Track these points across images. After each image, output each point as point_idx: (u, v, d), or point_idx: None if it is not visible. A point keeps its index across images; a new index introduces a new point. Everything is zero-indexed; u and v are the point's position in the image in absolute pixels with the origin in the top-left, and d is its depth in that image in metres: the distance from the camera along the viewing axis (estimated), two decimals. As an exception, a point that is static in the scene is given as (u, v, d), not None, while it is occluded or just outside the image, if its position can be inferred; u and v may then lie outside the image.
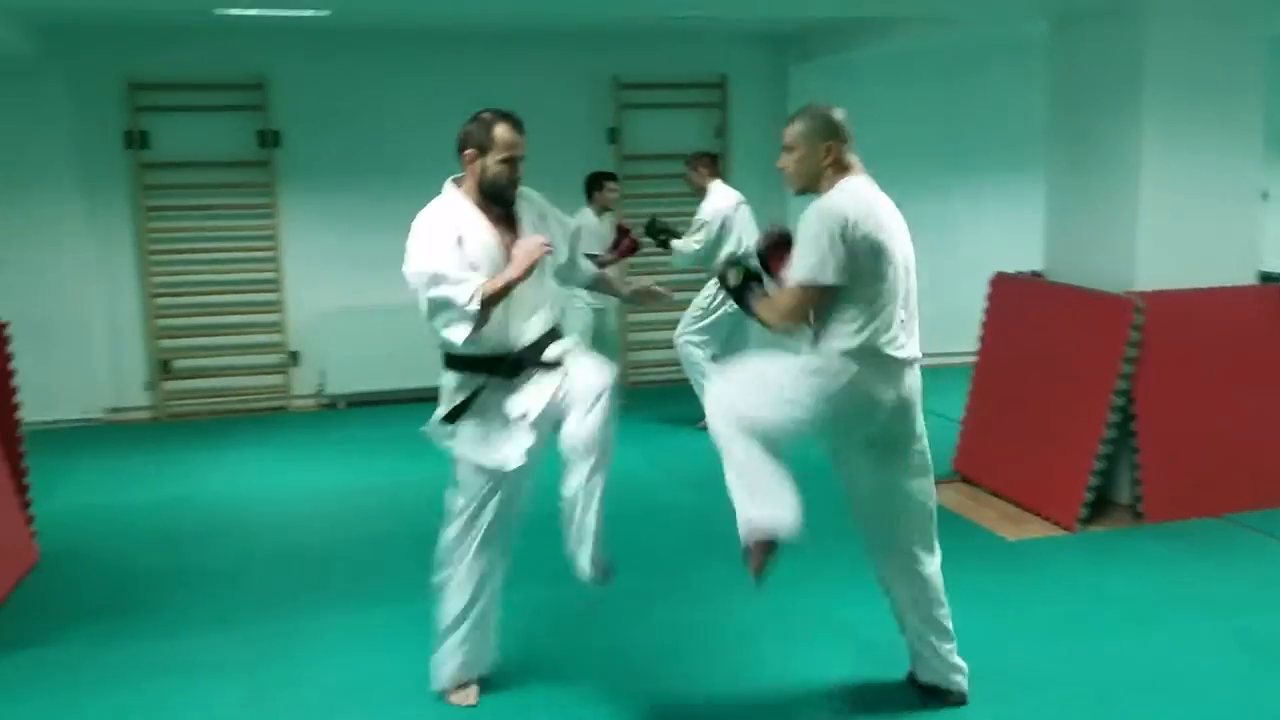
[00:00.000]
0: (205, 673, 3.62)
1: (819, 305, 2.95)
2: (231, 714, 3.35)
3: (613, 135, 8.09)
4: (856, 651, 3.65)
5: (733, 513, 3.07)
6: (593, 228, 6.50)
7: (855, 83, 8.29)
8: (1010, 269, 5.70)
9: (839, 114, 3.07)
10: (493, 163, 3.11)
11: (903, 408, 3.02)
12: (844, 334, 2.91)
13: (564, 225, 3.44)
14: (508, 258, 3.09)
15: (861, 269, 2.86)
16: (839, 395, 2.92)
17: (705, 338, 6.66)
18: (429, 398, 3.24)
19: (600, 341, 6.82)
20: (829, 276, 2.85)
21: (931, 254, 8.63)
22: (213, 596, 4.30)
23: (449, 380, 3.19)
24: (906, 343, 2.99)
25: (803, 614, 3.96)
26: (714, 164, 6.81)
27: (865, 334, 2.89)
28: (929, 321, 9.58)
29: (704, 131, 8.31)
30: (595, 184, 6.97)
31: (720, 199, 6.56)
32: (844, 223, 2.83)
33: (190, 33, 7.25)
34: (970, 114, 8.65)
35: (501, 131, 3.10)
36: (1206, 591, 4.13)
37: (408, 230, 3.11)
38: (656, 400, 7.46)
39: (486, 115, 3.14)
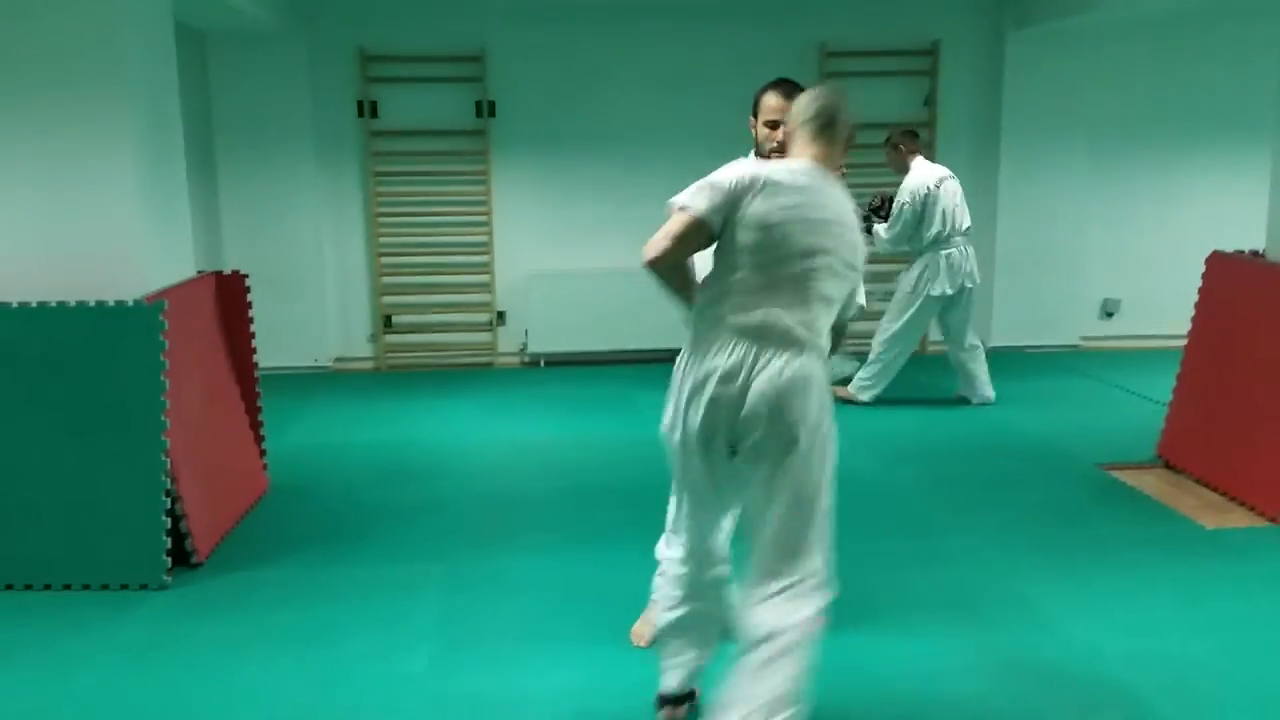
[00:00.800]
0: (405, 595, 3.95)
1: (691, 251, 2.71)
2: (424, 633, 3.64)
3: (817, 104, 8.05)
4: (1037, 629, 3.63)
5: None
6: None
7: (1075, 50, 7.99)
8: (1234, 247, 5.39)
9: (804, 97, 2.83)
10: (759, 125, 3.25)
11: (751, 400, 2.62)
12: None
13: None
14: None
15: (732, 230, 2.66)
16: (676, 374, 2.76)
17: (906, 329, 6.56)
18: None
19: None
20: (700, 205, 2.64)
21: (1147, 231, 8.36)
22: (420, 530, 4.65)
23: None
24: (760, 314, 2.64)
25: (982, 590, 3.96)
26: (913, 140, 6.67)
27: (710, 294, 2.71)
28: (1138, 301, 9.24)
29: (911, 100, 8.17)
30: None
31: (917, 177, 6.45)
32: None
33: (418, 5, 7.69)
34: (1194, 83, 8.20)
35: (768, 97, 3.23)
36: None
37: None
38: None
39: (768, 82, 3.27)
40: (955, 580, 4.03)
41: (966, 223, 6.48)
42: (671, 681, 2.99)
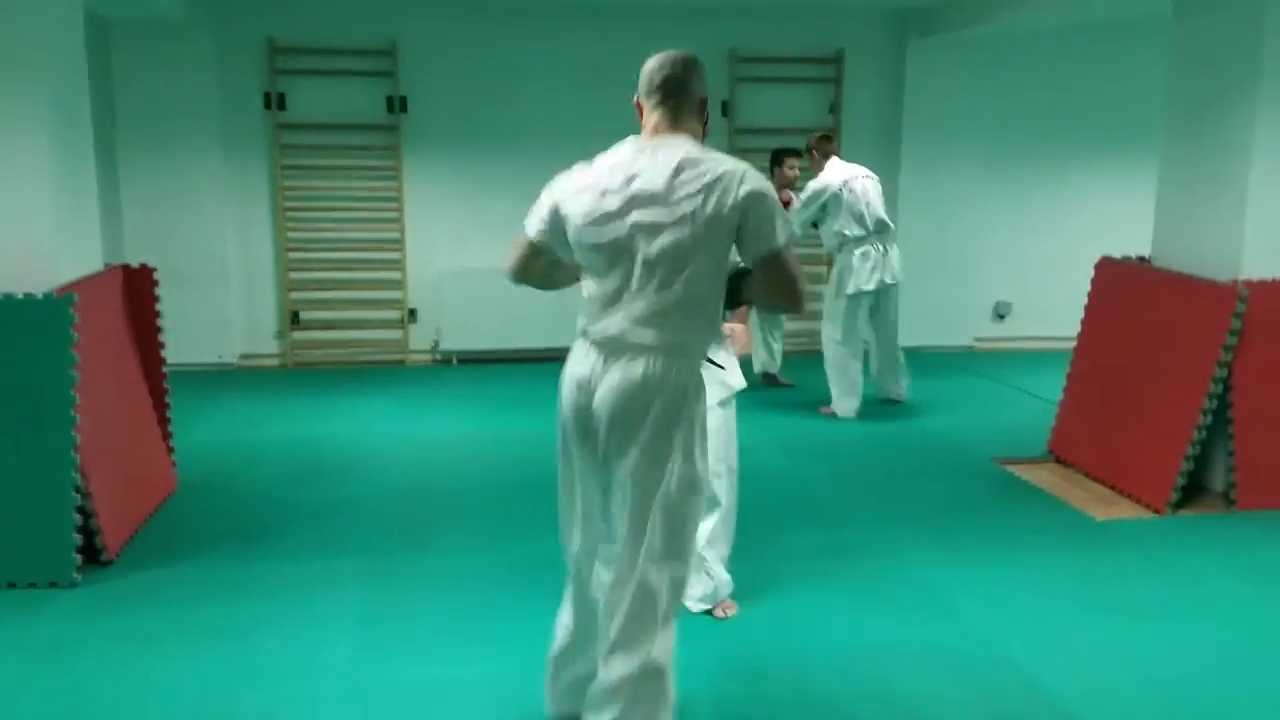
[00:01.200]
0: (322, 592, 3.94)
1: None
2: (345, 625, 3.66)
3: (725, 108, 8.22)
4: (939, 615, 3.80)
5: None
6: None
7: (974, 59, 8.30)
8: (1120, 253, 5.67)
9: (650, 62, 2.64)
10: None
11: (612, 408, 2.52)
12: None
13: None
14: None
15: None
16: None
17: (845, 334, 6.57)
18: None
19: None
20: (530, 227, 2.72)
21: (1038, 235, 8.71)
22: (337, 526, 4.64)
23: None
24: (604, 324, 2.55)
25: (888, 579, 4.12)
26: (826, 144, 6.73)
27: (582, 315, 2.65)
28: (1029, 303, 9.53)
29: (818, 106, 8.39)
30: (777, 161, 6.81)
31: (824, 176, 6.55)
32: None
33: (328, -1, 7.64)
34: (1087, 93, 8.58)
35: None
36: (1293, 578, 4.15)
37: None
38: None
39: None
40: (863, 570, 4.18)
41: (881, 220, 6.53)
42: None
